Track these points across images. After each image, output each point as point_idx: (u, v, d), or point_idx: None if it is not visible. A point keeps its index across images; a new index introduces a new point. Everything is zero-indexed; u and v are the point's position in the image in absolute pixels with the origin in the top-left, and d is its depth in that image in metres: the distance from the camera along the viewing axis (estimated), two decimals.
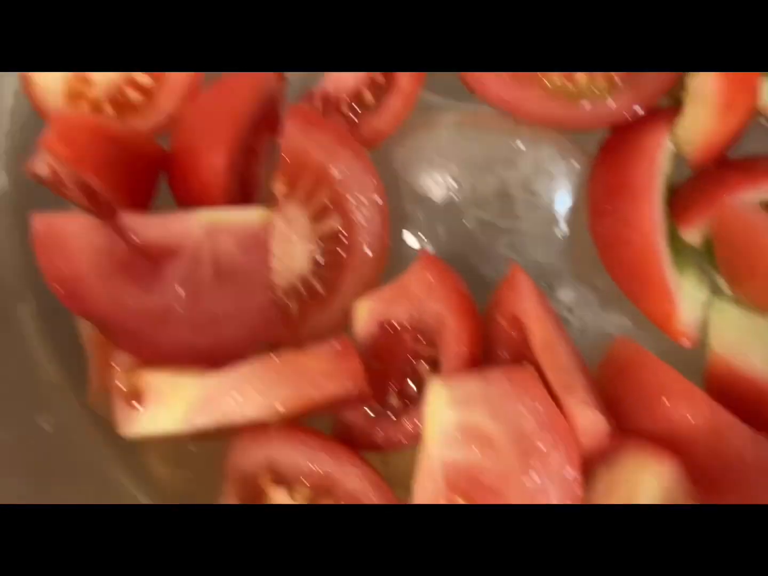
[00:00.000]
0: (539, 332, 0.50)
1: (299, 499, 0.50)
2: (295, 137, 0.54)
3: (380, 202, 0.55)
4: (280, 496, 0.50)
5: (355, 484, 0.49)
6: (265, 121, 0.58)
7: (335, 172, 0.54)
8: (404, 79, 0.56)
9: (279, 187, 0.54)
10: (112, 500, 0.55)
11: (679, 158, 0.58)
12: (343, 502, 0.50)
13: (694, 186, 0.56)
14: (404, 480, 0.49)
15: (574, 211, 0.59)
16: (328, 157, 0.54)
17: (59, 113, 0.51)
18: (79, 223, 0.49)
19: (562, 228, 0.60)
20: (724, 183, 0.54)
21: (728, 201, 0.53)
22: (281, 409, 0.48)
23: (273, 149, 0.60)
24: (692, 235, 0.55)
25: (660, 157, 0.55)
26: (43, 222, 0.48)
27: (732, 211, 0.53)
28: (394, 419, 0.52)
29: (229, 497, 0.51)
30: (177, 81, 0.59)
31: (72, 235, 0.49)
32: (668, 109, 0.57)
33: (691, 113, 0.55)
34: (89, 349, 0.55)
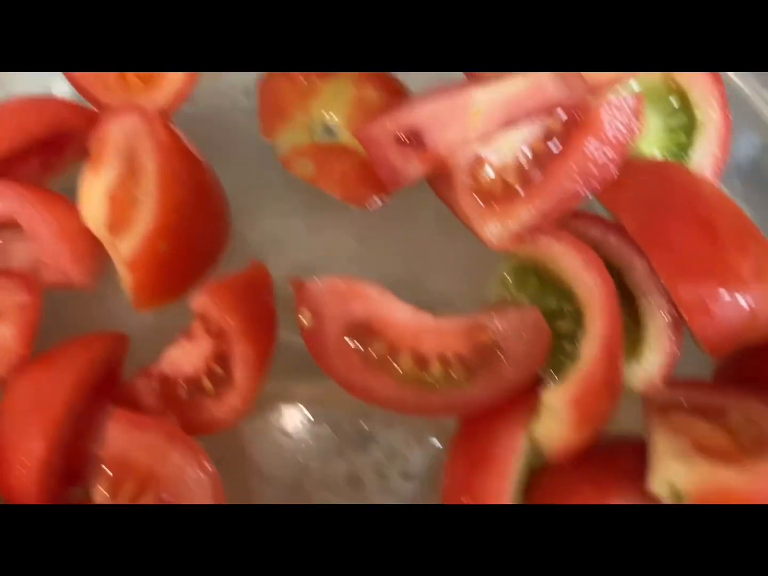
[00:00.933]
0: None
1: None
2: (119, 442, 0.50)
3: (215, 491, 0.51)
4: None
5: None
6: (102, 390, 0.54)
7: (164, 475, 0.50)
8: (243, 374, 0.53)
9: (100, 494, 0.50)
10: None
11: None
12: None
13: (545, 492, 0.54)
14: None
15: (430, 492, 0.56)
16: (155, 459, 0.50)
17: None
18: None
19: None
20: (574, 496, 0.52)
21: None
22: None
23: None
24: None
25: (513, 462, 0.52)
26: None
27: None
28: None
29: None
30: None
31: None
32: (528, 400, 0.54)
33: (544, 423, 0.52)
34: None
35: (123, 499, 0.50)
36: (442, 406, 0.54)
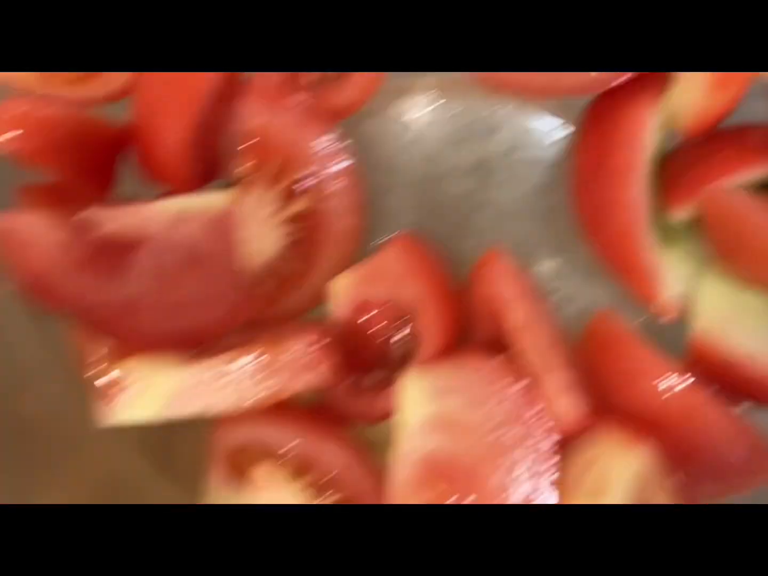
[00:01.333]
0: (514, 314, 0.50)
1: (281, 475, 0.52)
2: (259, 114, 0.51)
3: (352, 178, 0.53)
4: (262, 473, 0.52)
5: (334, 458, 0.51)
6: (228, 93, 0.55)
7: (304, 150, 0.52)
8: None
9: (243, 167, 0.52)
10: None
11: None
12: (323, 477, 0.51)
13: (682, 163, 0.53)
14: (380, 449, 0.51)
15: (557, 180, 0.57)
16: (295, 134, 0.51)
17: (5, 104, 0.49)
18: (38, 220, 0.48)
19: (545, 199, 0.58)
20: (714, 165, 0.51)
21: (717, 184, 0.51)
22: (260, 400, 0.49)
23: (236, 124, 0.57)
24: (680, 214, 0.53)
25: (645, 133, 0.52)
26: (1, 220, 0.48)
27: (721, 195, 0.51)
28: (370, 397, 0.54)
29: (214, 475, 0.52)
30: None
31: (31, 232, 0.48)
32: (657, 75, 0.53)
33: (681, 87, 0.51)
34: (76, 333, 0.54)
35: (262, 181, 0.52)
36: (569, 85, 0.53)
